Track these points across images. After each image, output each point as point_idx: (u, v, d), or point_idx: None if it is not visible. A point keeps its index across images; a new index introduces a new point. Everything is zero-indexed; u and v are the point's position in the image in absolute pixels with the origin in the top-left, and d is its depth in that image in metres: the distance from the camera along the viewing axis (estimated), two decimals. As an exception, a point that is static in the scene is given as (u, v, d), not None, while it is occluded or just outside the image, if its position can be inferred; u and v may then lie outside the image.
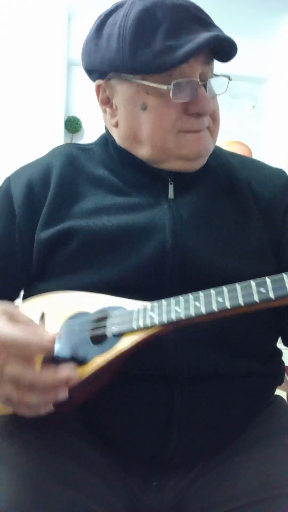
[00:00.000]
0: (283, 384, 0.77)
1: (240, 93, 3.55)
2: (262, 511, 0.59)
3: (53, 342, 0.56)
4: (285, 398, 0.82)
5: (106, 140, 0.80)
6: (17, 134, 3.01)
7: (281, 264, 0.74)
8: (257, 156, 2.86)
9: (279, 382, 0.76)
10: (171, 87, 0.65)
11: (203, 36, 0.64)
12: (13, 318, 0.59)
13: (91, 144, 0.83)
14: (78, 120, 3.38)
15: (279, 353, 0.77)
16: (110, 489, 0.63)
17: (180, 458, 0.66)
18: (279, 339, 0.79)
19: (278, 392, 0.80)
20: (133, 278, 0.66)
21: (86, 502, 0.58)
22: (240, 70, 3.14)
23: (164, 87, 0.66)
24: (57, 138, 3.14)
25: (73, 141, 3.41)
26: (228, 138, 2.52)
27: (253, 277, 0.67)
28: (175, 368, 0.64)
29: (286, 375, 0.95)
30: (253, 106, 3.67)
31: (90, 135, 3.38)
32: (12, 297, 0.76)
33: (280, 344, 0.78)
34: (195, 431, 0.65)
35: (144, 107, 0.69)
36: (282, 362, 0.77)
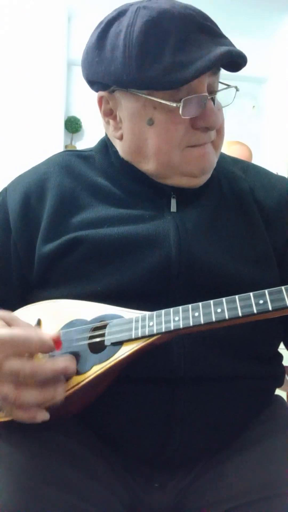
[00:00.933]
0: (283, 384, 0.77)
1: (240, 93, 3.54)
2: (262, 510, 0.59)
3: (52, 342, 0.56)
4: (285, 398, 0.82)
5: (106, 146, 0.78)
6: (18, 134, 3.02)
7: (284, 272, 0.74)
8: (257, 156, 2.87)
9: (279, 384, 0.76)
10: (181, 104, 0.63)
11: (215, 52, 0.62)
12: (11, 323, 0.59)
13: (91, 150, 0.81)
14: (78, 120, 3.39)
15: (280, 355, 0.77)
16: (109, 491, 0.63)
17: (182, 458, 0.66)
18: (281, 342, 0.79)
19: (278, 392, 0.80)
20: (137, 287, 0.66)
21: (83, 505, 0.57)
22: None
23: (174, 104, 0.64)
24: (57, 138, 3.15)
25: (73, 141, 3.42)
26: (228, 138, 2.51)
27: (257, 283, 0.68)
28: (177, 370, 0.64)
29: (286, 376, 0.95)
30: (253, 106, 3.67)
31: (90, 135, 3.38)
32: (12, 306, 0.74)
33: (281, 345, 0.78)
34: (196, 432, 0.65)
35: (151, 123, 0.67)
36: (282, 365, 0.77)
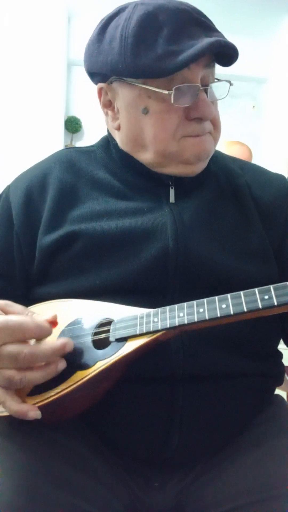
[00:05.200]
0: (283, 384, 0.77)
1: (240, 93, 3.55)
2: (262, 510, 0.59)
3: (49, 325, 0.57)
4: (285, 398, 0.82)
5: (108, 142, 0.80)
6: (18, 134, 3.02)
7: (282, 268, 0.75)
8: (257, 156, 2.87)
9: (279, 382, 0.76)
10: (172, 92, 0.65)
11: (205, 41, 0.64)
12: (6, 309, 0.60)
13: (92, 146, 0.83)
14: (78, 120, 3.39)
15: (280, 354, 0.78)
16: (109, 490, 0.63)
17: (181, 457, 0.67)
18: (280, 341, 0.79)
19: (278, 392, 0.80)
20: (135, 280, 0.66)
21: (83, 505, 0.57)
22: (240, 70, 3.14)
23: (166, 92, 0.66)
24: (57, 138, 3.14)
25: (73, 141, 3.42)
26: (228, 138, 2.52)
27: (254, 277, 0.68)
28: (176, 368, 0.64)
29: (286, 375, 0.95)
30: (253, 106, 3.67)
31: (90, 135, 3.38)
32: (15, 301, 0.75)
33: (280, 345, 0.78)
34: (196, 431, 0.66)
35: (146, 111, 0.69)
36: (282, 363, 0.77)
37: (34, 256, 0.73)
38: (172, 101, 0.66)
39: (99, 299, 0.65)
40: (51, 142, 3.03)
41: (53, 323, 0.60)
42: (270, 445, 0.68)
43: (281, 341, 0.80)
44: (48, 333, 0.57)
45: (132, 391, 0.65)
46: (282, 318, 0.75)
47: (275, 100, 3.51)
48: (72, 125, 3.36)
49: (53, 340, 0.57)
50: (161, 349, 0.63)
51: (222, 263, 0.69)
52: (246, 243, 0.72)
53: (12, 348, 0.54)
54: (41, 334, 0.57)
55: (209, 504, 0.64)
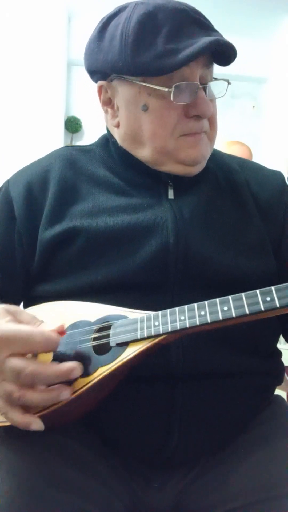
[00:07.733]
0: (283, 384, 0.77)
1: (240, 93, 3.56)
2: (262, 510, 0.59)
3: (57, 336, 0.55)
4: (285, 398, 0.82)
5: (107, 140, 0.81)
6: (18, 134, 3.02)
7: (281, 263, 0.75)
8: (257, 156, 2.87)
9: (279, 381, 0.76)
10: (172, 89, 0.67)
11: (203, 40, 0.65)
12: (16, 317, 0.59)
13: (92, 145, 0.84)
14: (78, 120, 3.39)
15: (279, 353, 0.78)
16: (110, 490, 0.63)
17: (181, 457, 0.67)
18: (279, 339, 0.79)
19: (278, 392, 0.80)
20: (136, 276, 0.67)
21: (84, 505, 0.57)
22: (240, 70, 3.14)
23: (165, 89, 0.67)
24: (57, 138, 3.14)
25: (73, 141, 3.42)
26: (228, 138, 2.52)
27: (253, 271, 0.69)
28: (176, 367, 0.64)
29: (286, 375, 0.95)
30: (253, 106, 3.67)
31: (90, 135, 3.38)
32: (15, 299, 0.74)
33: (280, 345, 0.79)
34: (196, 430, 0.66)
35: (146, 108, 0.69)
36: (282, 362, 0.77)
37: (35, 251, 0.73)
38: (172, 99, 0.67)
39: (100, 295, 0.65)
40: (51, 142, 3.03)
41: (61, 333, 0.58)
42: (270, 445, 0.68)
43: (280, 340, 0.80)
44: (56, 346, 0.55)
45: (131, 391, 0.64)
46: (282, 318, 0.75)
47: (275, 100, 3.51)
48: (72, 125, 3.36)
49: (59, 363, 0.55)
50: (161, 348, 0.63)
51: (222, 258, 0.69)
52: (244, 238, 0.73)
53: (16, 362, 0.52)
54: (48, 347, 0.55)
55: (209, 504, 0.64)
